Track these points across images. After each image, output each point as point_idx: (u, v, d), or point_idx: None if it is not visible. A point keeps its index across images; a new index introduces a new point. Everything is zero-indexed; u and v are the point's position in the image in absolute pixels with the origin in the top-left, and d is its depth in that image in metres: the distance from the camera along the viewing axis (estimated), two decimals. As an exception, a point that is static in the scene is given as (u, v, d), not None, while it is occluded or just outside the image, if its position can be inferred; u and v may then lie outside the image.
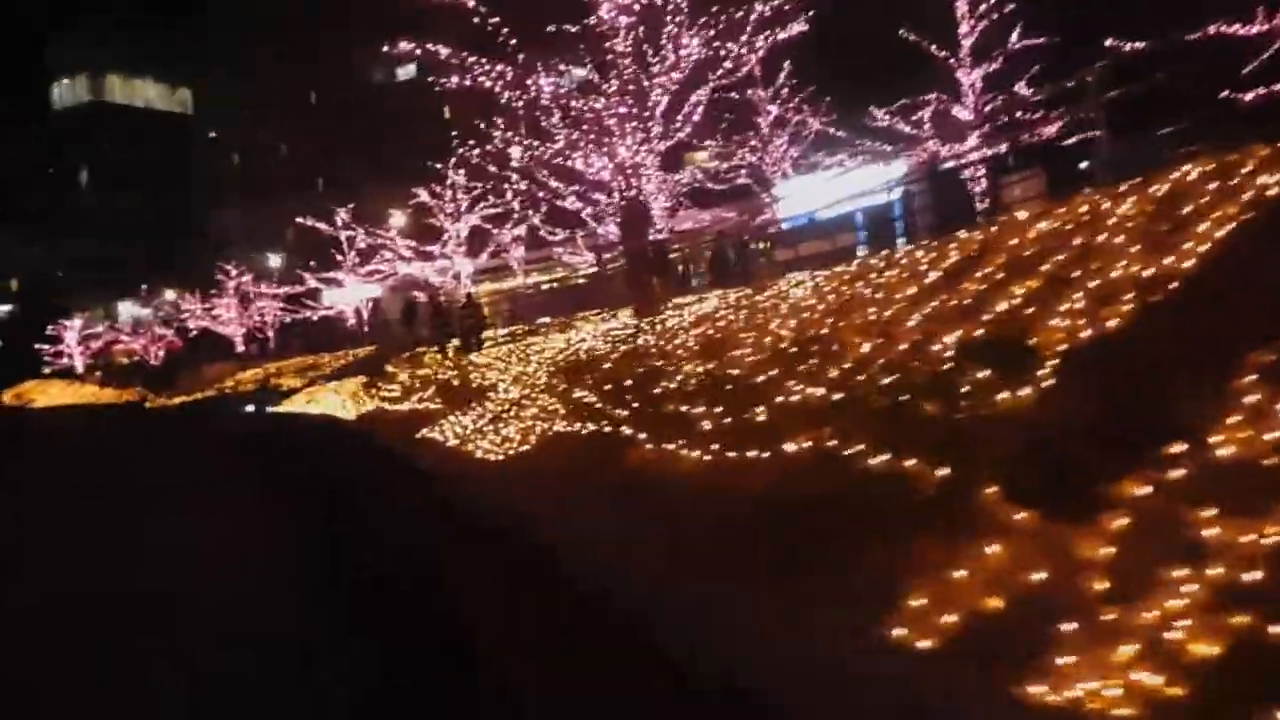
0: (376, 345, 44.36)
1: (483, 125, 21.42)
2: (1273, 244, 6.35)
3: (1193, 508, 4.22)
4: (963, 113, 30.20)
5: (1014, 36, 29.08)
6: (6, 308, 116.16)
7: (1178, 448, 4.62)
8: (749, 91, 32.33)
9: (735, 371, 8.37)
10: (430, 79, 21.11)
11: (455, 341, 29.76)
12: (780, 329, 10.29)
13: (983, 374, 5.82)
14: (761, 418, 6.98)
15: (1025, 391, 5.45)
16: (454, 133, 21.68)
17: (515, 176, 23.62)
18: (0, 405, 62.81)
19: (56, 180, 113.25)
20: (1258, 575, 3.71)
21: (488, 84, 17.31)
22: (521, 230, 41.57)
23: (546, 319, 31.88)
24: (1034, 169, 21.82)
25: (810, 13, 19.16)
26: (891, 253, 12.69)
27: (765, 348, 8.96)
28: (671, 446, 8.16)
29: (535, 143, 18.98)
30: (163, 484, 15.92)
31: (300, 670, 5.58)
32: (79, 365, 78.46)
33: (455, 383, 21.45)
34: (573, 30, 18.06)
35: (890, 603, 4.58)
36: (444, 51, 17.28)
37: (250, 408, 35.20)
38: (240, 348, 60.86)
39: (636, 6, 16.98)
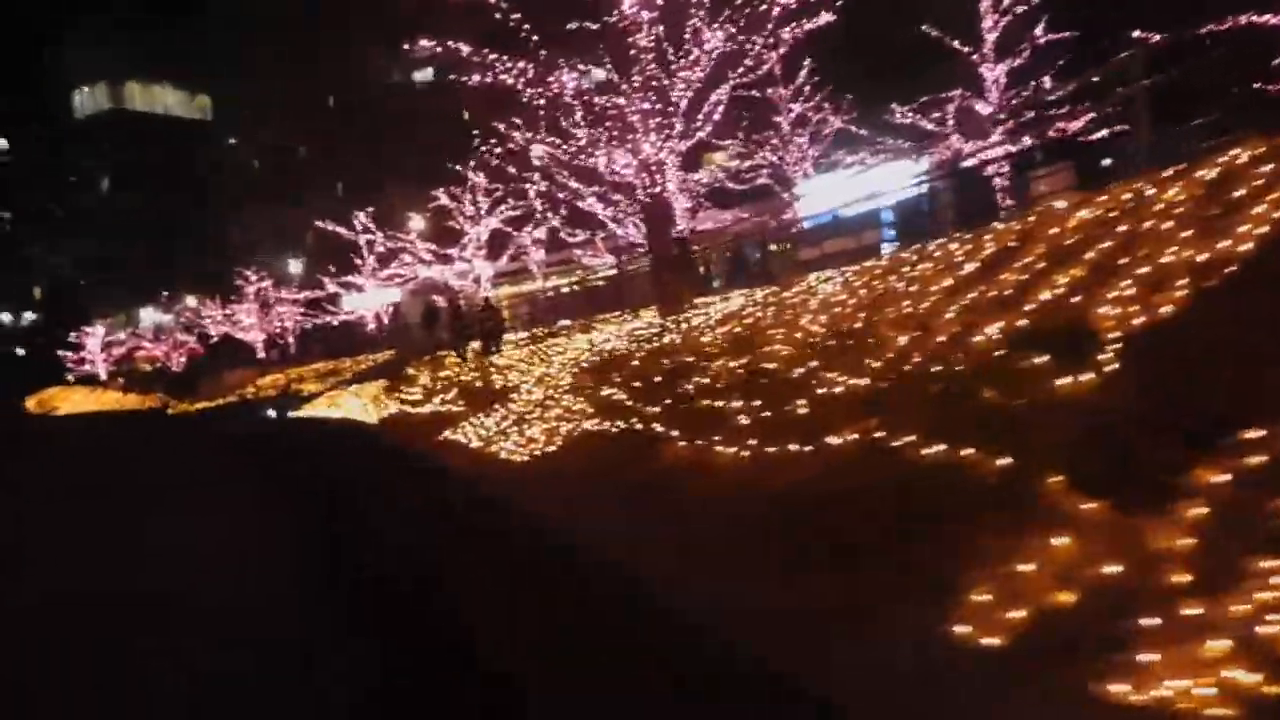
0: (396, 349, 44.32)
1: (503, 126, 21.30)
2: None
3: (1274, 496, 3.98)
4: (986, 108, 29.91)
5: (1038, 30, 28.73)
6: (30, 316, 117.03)
7: (1251, 434, 4.38)
8: (769, 90, 32.10)
9: (770, 366, 8.14)
10: (449, 78, 20.97)
11: (475, 345, 29.64)
12: (812, 324, 10.07)
13: (1038, 360, 5.57)
14: (802, 411, 6.75)
15: (1084, 378, 5.20)
16: (475, 132, 21.50)
17: (536, 176, 23.45)
18: (24, 411, 63.21)
19: (78, 188, 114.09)
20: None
21: (509, 81, 17.14)
22: (541, 233, 41.44)
23: (566, 321, 31.74)
24: (1062, 163, 21.48)
25: (838, 2, 18.85)
26: (923, 247, 12.43)
27: (799, 342, 8.72)
28: (705, 443, 7.95)
29: (557, 140, 18.81)
30: (192, 484, 15.88)
31: (300, 669, 5.49)
32: (102, 372, 79.01)
33: (477, 385, 21.31)
34: (593, 27, 17.89)
35: (952, 598, 4.35)
36: (464, 49, 17.11)
37: (271, 413, 35.23)
38: (261, 353, 61.01)
39: (659, 1, 16.80)
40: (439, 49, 18.36)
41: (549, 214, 34.70)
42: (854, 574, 4.85)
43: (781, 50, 19.97)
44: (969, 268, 9.75)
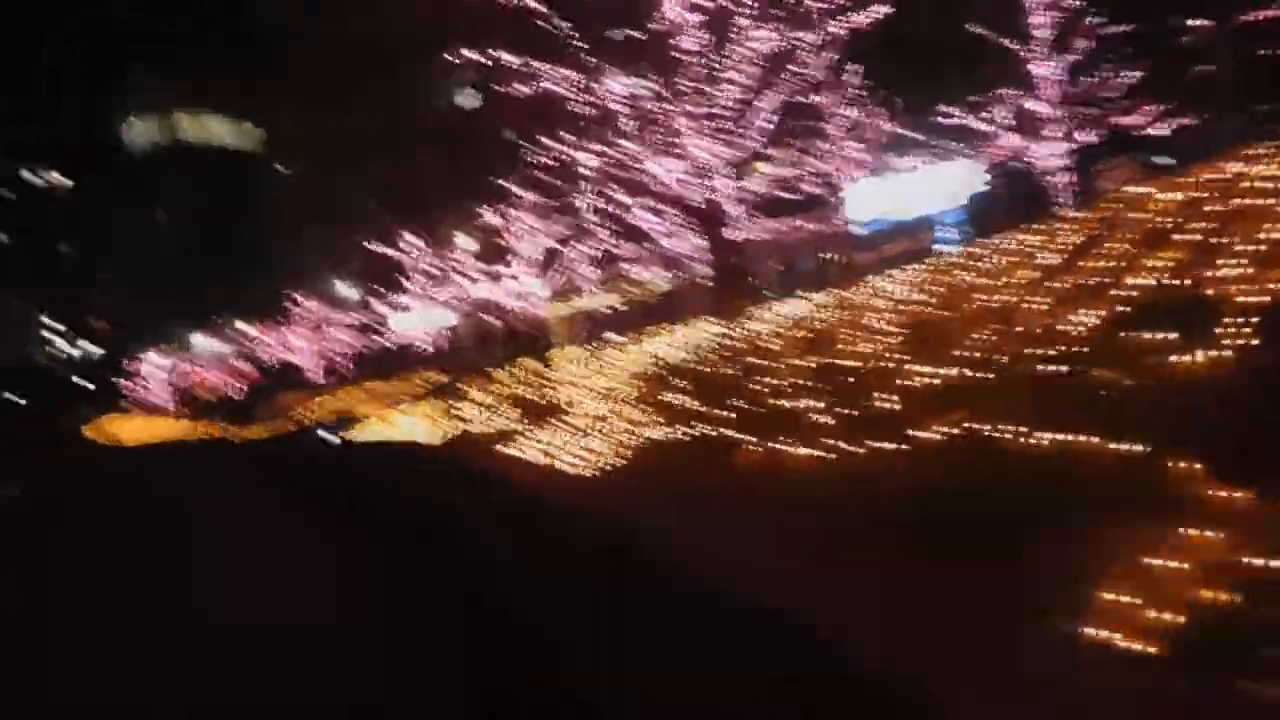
0: (450, 369, 44.33)
1: (548, 140, 21.13)
2: None
3: None
4: (1038, 106, 29.29)
5: (1093, 23, 28.08)
6: (89, 346, 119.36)
7: None
8: (816, 96, 31.71)
9: (847, 363, 7.80)
10: (494, 88, 20.81)
11: (528, 361, 29.52)
12: (883, 321, 9.72)
13: (1154, 337, 5.19)
14: (887, 405, 6.39)
15: (1206, 355, 4.82)
16: (522, 144, 21.35)
17: (586, 188, 23.24)
18: (82, 440, 64.10)
19: (132, 219, 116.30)
20: None
21: (555, 89, 16.94)
22: (591, 248, 41.26)
23: (618, 335, 31.49)
24: (1124, 156, 20.91)
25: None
26: (994, 241, 12.03)
27: (875, 339, 8.37)
28: (781, 444, 7.62)
29: (605, 149, 18.57)
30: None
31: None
32: (158, 400, 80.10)
33: (534, 400, 21.10)
34: (640, 36, 17.66)
35: (1081, 598, 3.98)
36: (511, 59, 16.96)
37: (329, 436, 35.28)
38: (315, 377, 61.46)
39: (706, 3, 16.54)
40: (484, 61, 18.20)
41: (600, 228, 34.53)
42: (965, 574, 4.49)
43: (828, 54, 19.63)
44: (1049, 258, 9.38)
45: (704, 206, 17.87)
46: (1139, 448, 4.51)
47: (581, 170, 23.03)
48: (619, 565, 7.24)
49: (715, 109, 17.28)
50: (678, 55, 16.78)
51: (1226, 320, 5.08)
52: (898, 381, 6.68)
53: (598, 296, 45.75)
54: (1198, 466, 4.18)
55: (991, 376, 5.85)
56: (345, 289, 67.27)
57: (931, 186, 26.92)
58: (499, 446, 18.25)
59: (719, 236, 18.48)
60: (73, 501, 26.26)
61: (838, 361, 7.96)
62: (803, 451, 6.98)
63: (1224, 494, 4.01)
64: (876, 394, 6.69)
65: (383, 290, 54.23)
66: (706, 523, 7.25)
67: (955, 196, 25.29)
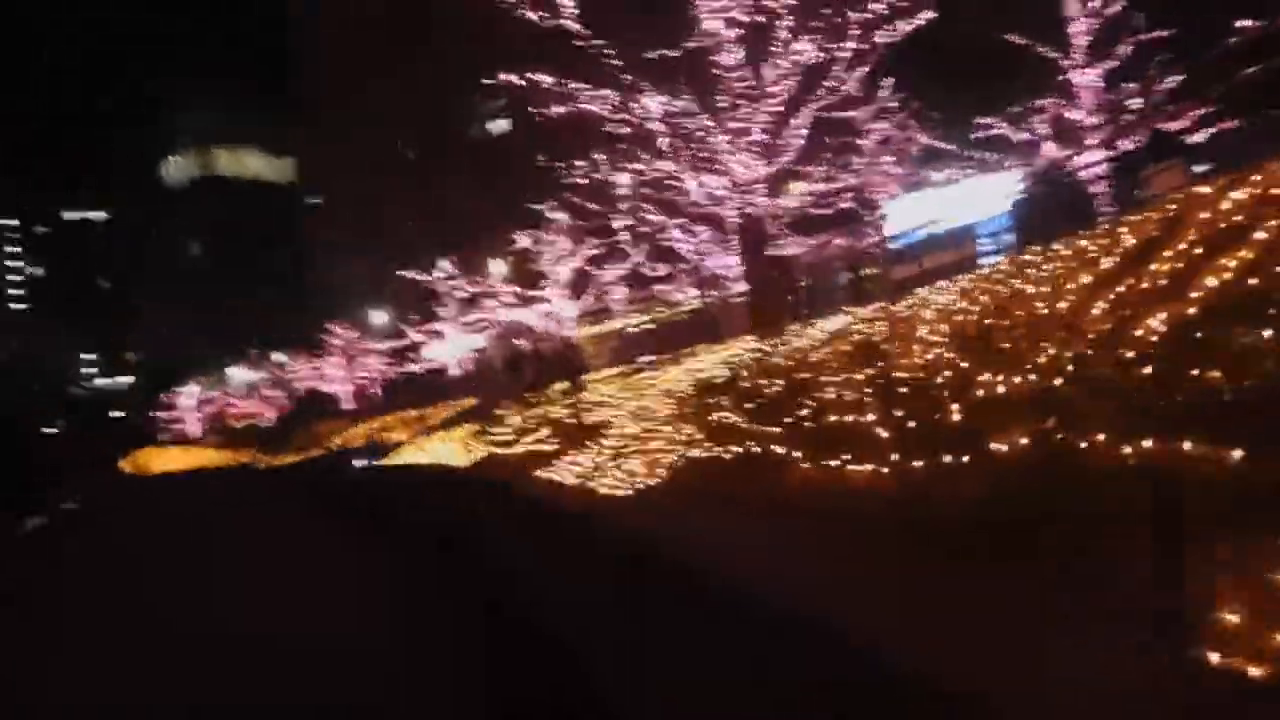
0: (482, 394, 44.16)
1: (582, 162, 20.93)
2: None
3: None
4: (1077, 114, 28.80)
5: (1134, 29, 27.59)
6: (125, 379, 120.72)
7: None
8: (852, 111, 31.39)
9: (905, 375, 7.39)
10: (529, 110, 20.61)
11: (561, 385, 29.26)
12: (937, 333, 9.31)
13: (1245, 337, 4.77)
14: (956, 417, 5.99)
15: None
16: (559, 164, 21.15)
17: (624, 207, 22.99)
18: (121, 473, 64.50)
19: (169, 252, 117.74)
20: None
21: (592, 109, 16.71)
22: (623, 270, 41.10)
23: (651, 357, 31.14)
24: (1172, 160, 20.39)
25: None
26: (1046, 249, 11.58)
27: (935, 349, 7.96)
28: (836, 462, 7.22)
29: (642, 168, 18.30)
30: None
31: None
32: (194, 431, 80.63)
33: (569, 422, 20.78)
34: (672, 54, 17.40)
35: (1195, 620, 3.57)
36: (546, 79, 16.75)
37: (363, 462, 35.20)
38: (348, 404, 61.53)
39: (744, 19, 16.26)
40: (520, 83, 17.98)
41: (633, 249, 34.33)
42: (1057, 591, 4.09)
43: (864, 67, 19.30)
44: (1110, 261, 8.95)
45: (742, 223, 17.53)
46: (1240, 453, 4.09)
47: (615, 190, 22.81)
48: (642, 573, 6.94)
49: (752, 124, 16.94)
50: (716, 71, 16.49)
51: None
52: (973, 393, 6.24)
53: (631, 317, 45.50)
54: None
55: (1070, 384, 5.42)
56: (378, 316, 67.50)
57: (971, 198, 26.45)
58: (532, 469, 17.95)
59: (758, 253, 18.12)
60: (106, 514, 26.35)
61: (897, 374, 7.52)
62: (864, 468, 6.58)
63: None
64: (942, 406, 6.27)
65: (416, 317, 54.34)
66: (740, 531, 6.91)
67: (995, 208, 24.79)
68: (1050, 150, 27.95)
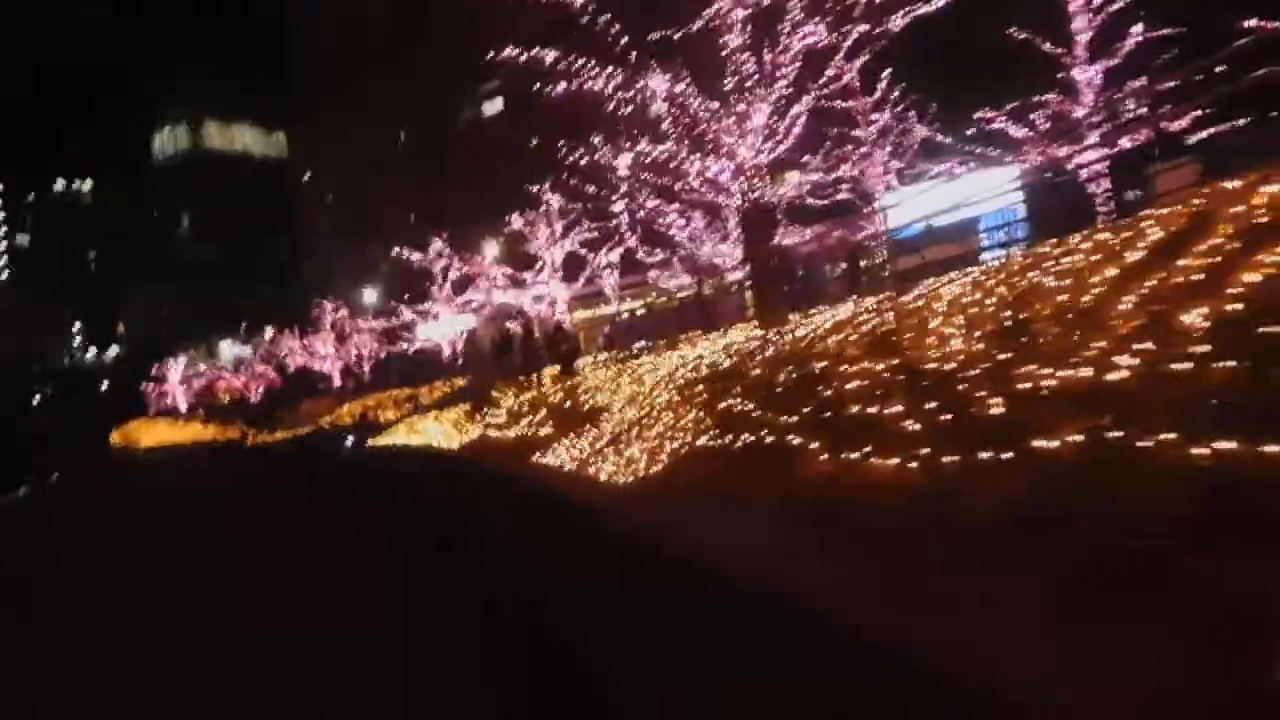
0: (472, 375, 43.88)
1: (580, 146, 20.63)
2: None
3: None
4: (1079, 111, 28.63)
5: (1138, 27, 27.39)
6: (114, 351, 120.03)
7: None
8: (853, 101, 31.17)
9: (934, 366, 7.14)
10: (529, 90, 20.27)
11: (552, 369, 29.06)
12: (953, 325, 9.07)
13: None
14: (996, 411, 5.74)
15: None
16: (562, 143, 20.81)
17: (623, 187, 22.69)
18: (110, 445, 64.10)
19: (159, 225, 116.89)
20: None
21: (597, 87, 16.39)
22: (617, 255, 40.90)
23: (643, 343, 30.93)
24: (1181, 159, 20.20)
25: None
26: (1061, 241, 11.34)
27: (957, 341, 7.72)
28: (857, 454, 6.99)
29: (646, 150, 18.00)
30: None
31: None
32: (182, 404, 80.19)
33: (565, 406, 20.54)
34: (673, 35, 17.09)
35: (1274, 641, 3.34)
36: (550, 55, 16.43)
37: (350, 440, 34.94)
38: (338, 383, 61.17)
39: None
40: (520, 59, 17.64)
41: (628, 233, 34.06)
42: (1128, 592, 3.85)
43: (865, 59, 19.05)
44: (1134, 256, 8.72)
45: (744, 208, 17.26)
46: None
47: (612, 175, 22.54)
48: (648, 570, 6.76)
49: (758, 107, 16.66)
50: (723, 53, 16.19)
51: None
52: (1014, 386, 5.97)
53: (624, 302, 45.28)
54: None
55: (1130, 378, 5.16)
56: (370, 294, 67.09)
57: (973, 193, 26.22)
58: (528, 453, 17.73)
59: (759, 240, 17.86)
60: (94, 502, 26.05)
61: (924, 365, 7.27)
62: (888, 462, 6.34)
63: None
64: (978, 398, 6.03)
65: (408, 296, 53.98)
66: (752, 525, 6.69)
67: (997, 203, 24.61)
68: (1051, 146, 27.77)
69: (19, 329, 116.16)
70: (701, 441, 10.52)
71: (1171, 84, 25.41)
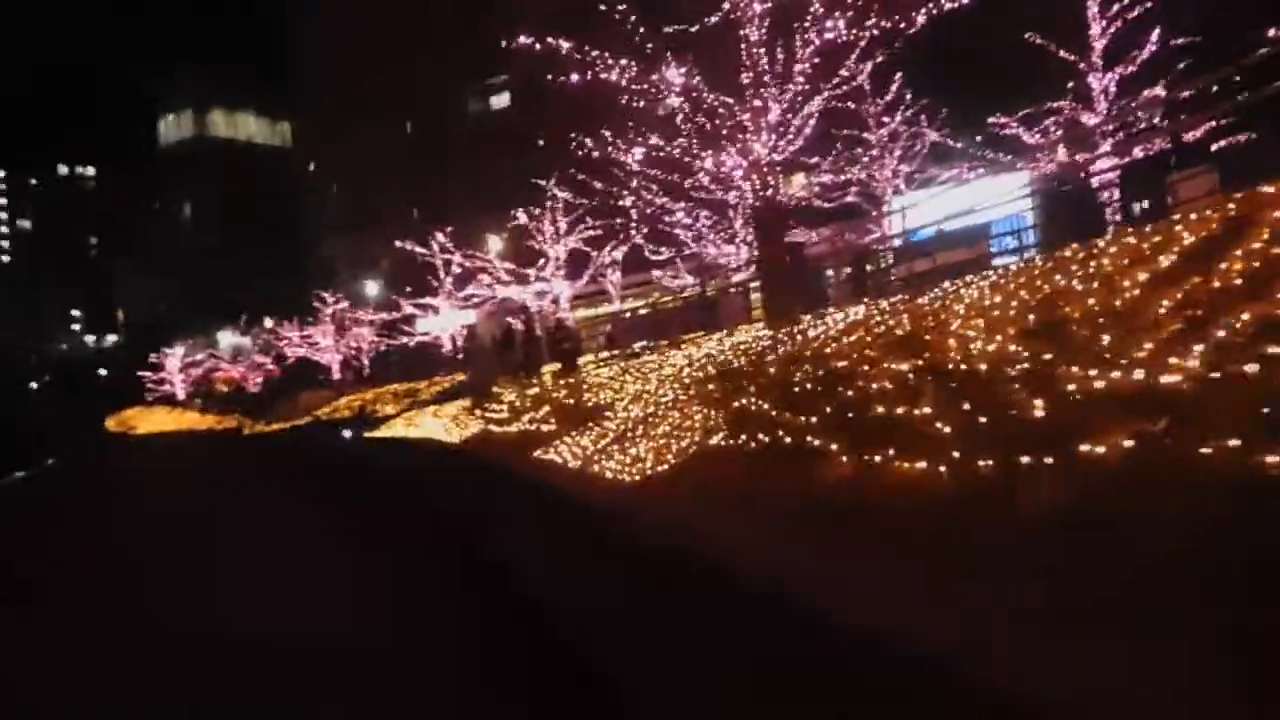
0: (472, 371, 43.59)
1: (592, 138, 20.37)
2: None
3: None
4: (1093, 119, 28.47)
5: (1154, 36, 27.24)
6: (112, 338, 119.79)
7: None
8: (865, 105, 30.96)
9: (964, 367, 6.87)
10: (538, 82, 20.04)
11: (553, 365, 28.88)
12: (977, 326, 8.80)
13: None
14: (1039, 413, 5.46)
15: None
16: (572, 135, 20.55)
17: (633, 183, 22.43)
18: (106, 431, 63.88)
19: (161, 213, 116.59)
20: None
21: (611, 78, 16.11)
22: (620, 253, 40.71)
23: (646, 342, 30.70)
24: (1204, 167, 19.96)
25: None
26: (1084, 245, 11.09)
27: (987, 341, 7.45)
28: (880, 457, 6.72)
29: (658, 144, 17.74)
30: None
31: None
32: (180, 393, 79.96)
33: (568, 403, 20.28)
34: (690, 29, 16.84)
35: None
36: (565, 44, 16.15)
37: (348, 433, 34.75)
38: (337, 375, 60.88)
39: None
40: (531, 49, 17.36)
41: (634, 230, 33.79)
42: (1176, 604, 3.58)
43: (878, 62, 18.81)
44: (1166, 261, 8.46)
45: (755, 206, 17.00)
46: None
47: (621, 170, 22.31)
48: (655, 571, 6.61)
49: (774, 103, 16.40)
50: (741, 47, 15.93)
51: None
52: (1058, 388, 5.69)
53: (628, 300, 45.07)
54: None
55: (1187, 382, 4.89)
56: (371, 287, 66.82)
57: (985, 198, 26.01)
58: (530, 449, 17.48)
59: (770, 239, 17.60)
60: (89, 491, 25.82)
61: (953, 366, 6.99)
62: (914, 466, 6.07)
63: None
64: (1017, 401, 5.76)
65: (409, 290, 53.66)
66: (770, 529, 6.48)
67: (1009, 208, 24.38)
68: (1064, 154, 27.57)
69: (19, 314, 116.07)
70: (712, 441, 10.26)
71: (1188, 93, 25.27)
